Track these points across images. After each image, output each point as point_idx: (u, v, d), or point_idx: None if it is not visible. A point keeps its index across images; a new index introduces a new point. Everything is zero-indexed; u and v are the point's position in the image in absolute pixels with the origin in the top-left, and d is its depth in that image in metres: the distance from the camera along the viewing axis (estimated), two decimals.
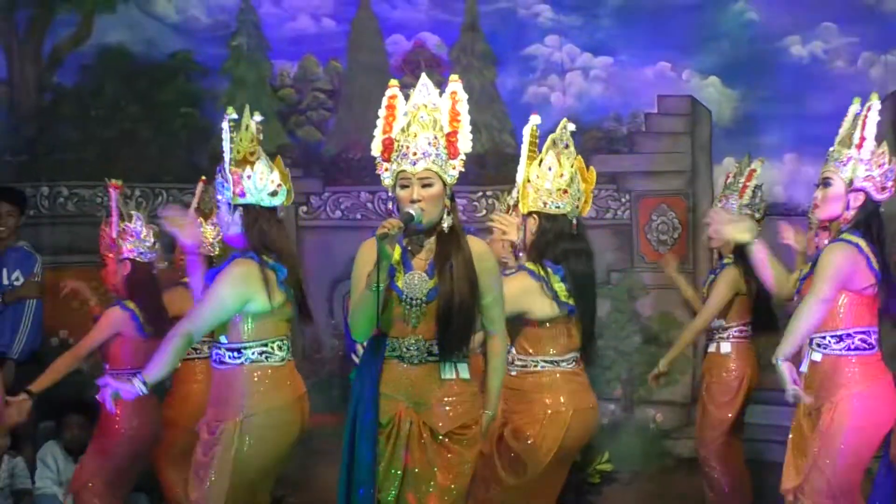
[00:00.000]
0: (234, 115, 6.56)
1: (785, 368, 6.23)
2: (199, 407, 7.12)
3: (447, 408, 5.99)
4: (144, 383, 6.42)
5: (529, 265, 6.97)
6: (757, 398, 8.96)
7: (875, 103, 6.49)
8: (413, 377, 5.96)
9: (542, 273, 6.90)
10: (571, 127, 7.13)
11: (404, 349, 5.95)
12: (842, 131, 6.68)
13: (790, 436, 6.82)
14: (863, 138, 6.50)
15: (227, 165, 6.55)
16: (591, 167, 7.29)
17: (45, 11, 10.54)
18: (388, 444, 5.92)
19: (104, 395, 6.43)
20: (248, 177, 6.53)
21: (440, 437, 5.93)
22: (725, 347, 8.96)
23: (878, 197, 6.55)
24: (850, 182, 6.52)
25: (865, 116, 6.54)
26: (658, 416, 10.03)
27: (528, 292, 6.86)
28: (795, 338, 6.42)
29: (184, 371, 8.57)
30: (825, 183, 6.62)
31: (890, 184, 6.54)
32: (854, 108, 6.71)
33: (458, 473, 6.04)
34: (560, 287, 6.90)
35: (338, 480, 6.09)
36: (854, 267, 6.44)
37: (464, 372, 6.07)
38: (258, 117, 6.65)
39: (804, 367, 6.61)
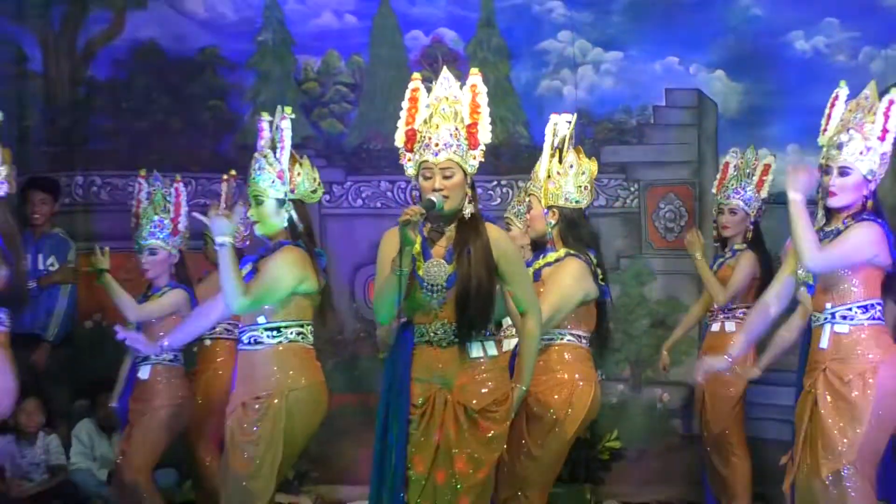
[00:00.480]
0: (293, 115, 6.75)
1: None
2: (222, 386, 7.23)
3: (479, 385, 6.07)
4: (163, 347, 6.65)
5: (573, 251, 7.04)
6: (756, 378, 8.99)
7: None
8: (443, 359, 6.02)
9: (587, 256, 7.01)
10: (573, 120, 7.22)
11: (432, 333, 6.01)
12: (849, 119, 6.55)
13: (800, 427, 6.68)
14: (885, 130, 6.52)
15: (284, 163, 6.73)
16: (593, 158, 7.36)
17: (78, 8, 10.58)
18: (422, 422, 6.04)
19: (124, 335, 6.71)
20: (298, 174, 6.71)
21: (474, 414, 6.02)
22: (730, 326, 8.96)
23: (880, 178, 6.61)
24: (871, 172, 6.56)
25: (888, 108, 6.52)
26: (665, 396, 10.10)
27: (586, 275, 6.95)
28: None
29: (210, 351, 8.71)
30: (843, 172, 6.61)
31: (882, 170, 6.61)
32: (844, 92, 6.64)
33: (490, 449, 6.11)
34: (598, 270, 7.04)
35: (372, 460, 6.20)
36: (883, 244, 6.49)
37: (491, 349, 6.14)
38: (289, 111, 6.82)
39: (823, 343, 6.58)
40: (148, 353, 7.44)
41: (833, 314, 6.44)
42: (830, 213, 6.47)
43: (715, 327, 9.07)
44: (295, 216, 6.80)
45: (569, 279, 6.89)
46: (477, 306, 5.93)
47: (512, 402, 6.27)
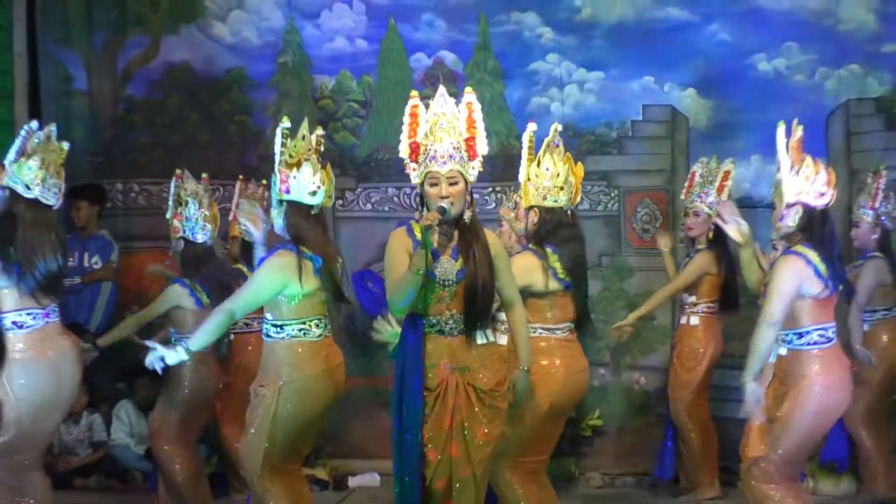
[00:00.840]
0: (288, 125, 6.71)
1: (750, 390, 6.28)
2: (252, 373, 7.21)
3: (484, 369, 6.13)
4: (188, 350, 6.57)
5: (532, 246, 7.09)
6: (721, 364, 9.04)
7: (780, 129, 6.48)
8: (453, 346, 6.07)
9: (543, 252, 7.02)
10: (560, 128, 7.24)
11: (444, 323, 6.05)
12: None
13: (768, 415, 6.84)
14: (778, 163, 6.56)
15: (276, 166, 6.68)
16: (580, 163, 7.38)
17: (118, 34, 10.60)
18: (436, 404, 6.05)
19: (151, 359, 6.62)
20: (294, 177, 6.65)
21: (482, 394, 6.06)
22: (694, 320, 9.05)
23: (817, 203, 6.58)
24: (785, 200, 6.58)
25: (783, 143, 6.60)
26: (641, 380, 10.09)
27: (532, 269, 6.97)
28: (757, 359, 6.43)
29: (238, 343, 8.73)
30: (772, 206, 6.70)
31: (825, 188, 6.58)
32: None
33: (496, 423, 6.18)
34: (558, 265, 7.03)
35: (392, 441, 6.17)
36: (802, 279, 6.46)
37: (491, 337, 6.25)
38: (320, 130, 6.85)
39: (772, 359, 6.68)
40: (176, 361, 7.38)
41: (777, 338, 6.57)
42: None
43: (683, 321, 9.18)
44: (288, 216, 6.76)
45: (528, 269, 6.97)
46: (483, 300, 6.03)
47: (512, 382, 6.37)
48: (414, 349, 6.13)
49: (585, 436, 9.54)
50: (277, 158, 6.72)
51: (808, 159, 6.50)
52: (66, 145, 7.21)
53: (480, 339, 6.19)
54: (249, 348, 8.54)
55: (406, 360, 6.16)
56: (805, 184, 6.46)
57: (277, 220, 6.75)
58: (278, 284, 6.56)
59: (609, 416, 9.87)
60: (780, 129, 6.46)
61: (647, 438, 9.86)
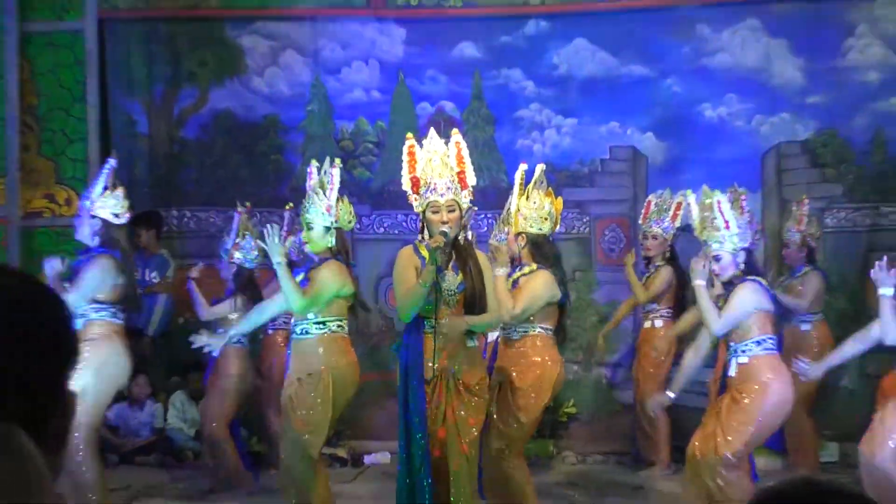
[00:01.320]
0: (340, 165, 7.04)
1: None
2: (284, 366, 7.36)
3: (472, 367, 6.29)
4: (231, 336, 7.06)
5: (544, 266, 7.17)
6: (676, 361, 9.06)
7: (721, 196, 6.75)
8: (450, 347, 6.21)
9: (554, 271, 7.15)
10: (545, 168, 7.36)
11: (444, 328, 6.19)
12: (699, 221, 6.89)
13: (711, 409, 6.93)
14: (726, 221, 6.74)
15: (332, 200, 6.91)
16: (560, 196, 7.48)
17: (173, 86, 10.63)
18: (433, 395, 6.19)
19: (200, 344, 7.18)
20: (340, 209, 6.90)
21: (469, 389, 6.21)
22: (658, 323, 9.19)
23: (750, 244, 6.82)
24: (733, 251, 6.76)
25: (720, 207, 6.75)
26: (607, 374, 10.18)
27: (552, 284, 7.08)
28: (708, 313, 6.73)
29: (271, 340, 8.86)
30: (716, 258, 6.83)
31: (751, 232, 6.83)
32: (693, 198, 7.21)
33: (480, 411, 6.33)
34: (556, 278, 7.16)
35: (398, 428, 6.29)
36: (762, 297, 6.69)
37: (477, 341, 6.44)
38: (339, 162, 7.06)
39: (731, 372, 6.74)
40: (218, 349, 7.63)
41: (736, 350, 6.71)
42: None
43: (647, 324, 9.32)
44: (338, 239, 6.96)
45: (540, 285, 7.04)
46: (479, 307, 6.20)
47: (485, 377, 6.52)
48: (415, 347, 6.30)
49: (562, 421, 9.54)
50: (332, 192, 6.94)
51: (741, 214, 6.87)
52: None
53: (471, 343, 6.39)
54: (280, 345, 8.63)
55: (409, 356, 6.32)
56: (742, 234, 6.76)
57: (323, 242, 6.94)
58: (339, 285, 6.81)
59: (581, 405, 9.90)
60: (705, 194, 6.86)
61: (612, 424, 9.96)
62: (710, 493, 6.66)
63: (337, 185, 7.01)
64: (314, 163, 7.11)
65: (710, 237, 6.78)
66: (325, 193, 6.96)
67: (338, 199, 7.03)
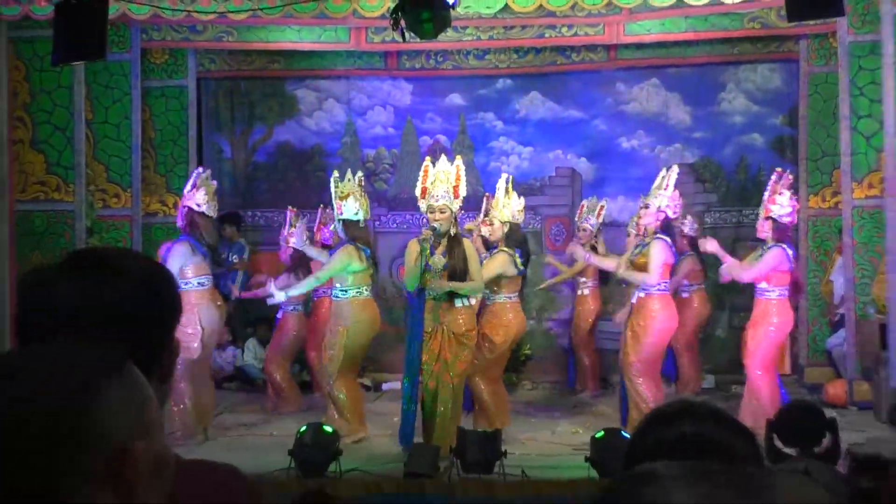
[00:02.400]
0: (337, 176, 7.13)
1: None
2: (326, 321, 7.40)
3: (458, 321, 6.41)
4: (288, 295, 7.48)
5: (504, 249, 7.20)
6: (602, 316, 9.26)
7: (674, 169, 7.01)
8: (442, 308, 6.32)
9: (510, 252, 7.15)
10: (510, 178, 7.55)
11: (438, 294, 6.35)
12: (655, 188, 6.99)
13: (623, 336, 7.05)
14: (667, 185, 6.82)
15: (333, 200, 7.09)
16: (522, 198, 7.66)
17: (248, 125, 10.61)
18: (432, 341, 6.28)
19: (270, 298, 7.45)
20: (345, 205, 6.92)
21: (456, 336, 6.31)
22: (587, 291, 9.21)
23: (673, 216, 6.86)
24: (658, 208, 6.79)
25: (669, 175, 6.93)
26: (552, 327, 10.22)
27: (506, 262, 7.11)
28: (635, 279, 6.92)
29: (320, 302, 8.72)
30: (647, 206, 6.90)
31: (677, 208, 6.86)
32: (663, 172, 7.15)
33: (465, 353, 6.46)
34: (517, 260, 7.17)
35: (404, 369, 6.40)
36: (669, 252, 6.73)
37: (466, 301, 6.50)
38: (360, 173, 7.26)
39: (633, 300, 6.94)
40: (278, 302, 7.76)
41: (640, 287, 6.86)
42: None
43: (579, 292, 9.33)
44: (345, 227, 7.05)
45: (496, 264, 7.09)
46: (459, 279, 6.34)
47: (473, 327, 6.59)
48: (419, 308, 6.40)
49: (521, 360, 9.50)
50: (333, 195, 6.98)
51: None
52: (214, 182, 7.46)
53: (458, 304, 6.45)
54: (324, 308, 8.46)
55: (414, 313, 6.43)
56: (670, 202, 7.03)
57: (339, 229, 7.06)
58: (344, 263, 6.87)
59: (534, 348, 9.85)
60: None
61: (556, 362, 9.98)
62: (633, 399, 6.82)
63: (333, 188, 7.17)
64: (335, 174, 7.32)
65: (651, 195, 6.88)
66: (339, 202, 7.05)
67: (349, 196, 7.08)
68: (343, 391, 6.96)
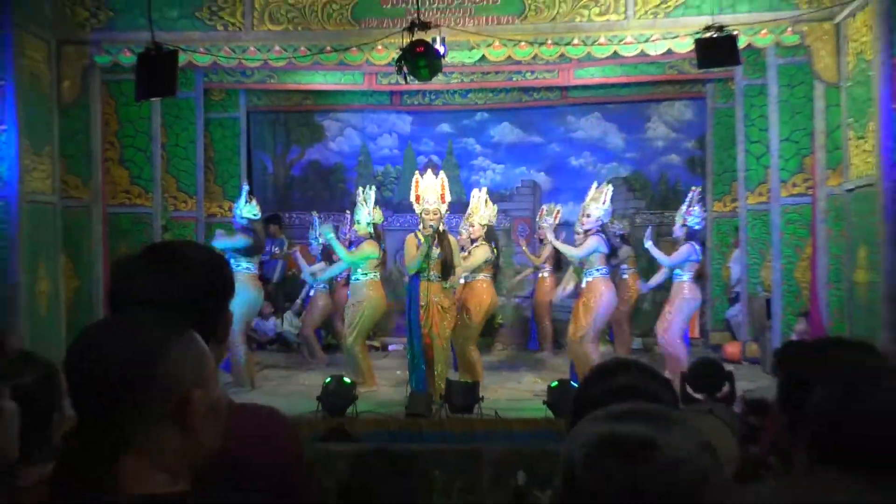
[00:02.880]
0: (366, 191, 7.07)
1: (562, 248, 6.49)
2: (346, 299, 7.38)
3: (445, 298, 6.40)
4: (318, 279, 7.60)
5: (483, 242, 7.19)
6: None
7: (609, 187, 6.85)
8: (434, 288, 6.30)
9: (490, 245, 7.13)
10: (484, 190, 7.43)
11: (431, 276, 6.28)
12: (590, 199, 6.89)
13: (573, 310, 6.99)
14: (605, 200, 6.76)
15: (371, 209, 7.10)
16: (495, 205, 7.61)
17: (286, 147, 10.56)
18: (424, 314, 6.23)
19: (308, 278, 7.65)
20: (365, 209, 6.91)
21: (443, 309, 6.25)
22: (545, 275, 9.07)
23: (605, 217, 6.82)
24: (598, 216, 6.77)
25: (607, 193, 6.80)
26: (519, 301, 10.17)
27: (487, 251, 7.10)
28: (572, 252, 6.89)
29: (340, 285, 8.69)
30: (588, 215, 6.83)
31: (608, 213, 6.85)
32: (594, 185, 7.04)
33: (449, 324, 6.43)
34: (494, 249, 7.16)
35: (406, 330, 6.36)
36: (602, 244, 6.67)
37: (449, 284, 6.46)
38: (373, 188, 7.27)
39: (583, 284, 6.82)
40: (311, 282, 7.73)
41: (586, 273, 6.77)
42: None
43: (540, 275, 9.21)
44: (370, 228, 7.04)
45: (480, 254, 7.06)
46: (449, 266, 6.25)
47: (455, 302, 6.57)
48: (416, 287, 6.37)
49: (495, 327, 9.53)
50: (364, 204, 6.97)
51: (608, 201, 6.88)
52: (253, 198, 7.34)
53: (446, 285, 6.43)
54: (344, 286, 8.52)
55: (412, 292, 6.39)
56: (603, 209, 6.83)
57: (364, 228, 7.03)
58: (367, 253, 6.87)
59: (505, 318, 9.84)
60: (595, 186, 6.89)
61: (521, 328, 9.95)
62: (578, 358, 6.75)
63: (372, 201, 7.04)
64: (359, 189, 7.17)
65: (591, 204, 6.81)
66: (366, 205, 7.00)
67: (374, 207, 7.10)
68: (359, 352, 6.96)
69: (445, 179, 6.55)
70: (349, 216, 8.69)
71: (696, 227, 7.01)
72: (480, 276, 7.22)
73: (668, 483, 0.93)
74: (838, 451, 1.28)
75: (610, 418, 1.00)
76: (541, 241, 9.20)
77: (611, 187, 7.14)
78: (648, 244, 7.12)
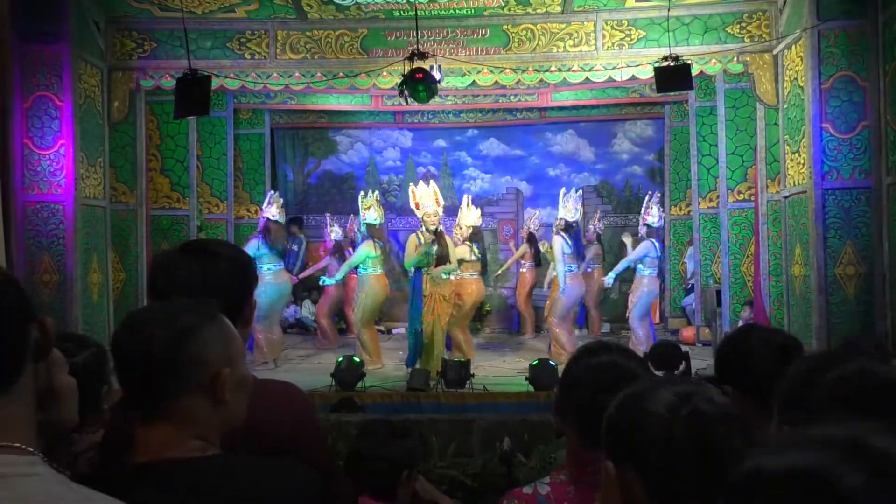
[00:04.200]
0: (362, 194, 7.03)
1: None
2: (354, 290, 7.33)
3: (445, 289, 6.31)
4: (330, 278, 7.34)
5: (466, 243, 7.16)
6: (536, 285, 9.10)
7: (579, 192, 6.92)
8: (434, 281, 6.27)
9: (471, 245, 7.10)
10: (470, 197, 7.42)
11: (432, 271, 6.25)
12: (565, 207, 6.89)
13: (548, 300, 7.02)
14: (576, 207, 6.72)
15: (360, 208, 6.92)
16: (479, 209, 7.53)
17: (304, 159, 10.53)
18: (430, 302, 6.17)
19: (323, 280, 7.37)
20: (367, 213, 6.84)
21: (443, 298, 6.21)
22: (525, 269, 9.00)
23: (571, 218, 6.77)
24: (564, 220, 6.71)
25: (577, 199, 6.77)
26: (503, 292, 10.14)
27: (468, 251, 7.08)
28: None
29: (350, 279, 8.65)
30: (560, 220, 6.80)
31: (577, 212, 6.75)
32: (563, 191, 6.99)
33: (448, 311, 6.40)
34: (475, 249, 7.14)
35: (408, 316, 6.32)
36: (564, 242, 6.64)
37: (447, 276, 6.40)
38: (377, 193, 7.05)
39: (550, 277, 6.79)
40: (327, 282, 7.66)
41: (554, 270, 6.69)
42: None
43: (521, 270, 9.13)
44: (368, 228, 6.95)
45: (461, 251, 7.01)
46: (445, 261, 6.17)
47: (452, 293, 6.49)
48: (418, 280, 6.31)
49: (484, 314, 9.54)
50: (360, 207, 6.91)
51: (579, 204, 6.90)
52: (281, 199, 7.30)
53: (444, 276, 6.39)
54: (353, 280, 8.51)
55: (415, 284, 6.34)
56: (575, 211, 6.81)
57: (362, 229, 6.98)
58: (366, 253, 6.74)
59: (492, 306, 9.82)
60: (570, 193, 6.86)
61: (506, 315, 9.93)
62: (555, 341, 6.74)
63: (361, 202, 7.05)
64: (362, 194, 7.16)
65: (564, 207, 6.80)
66: (364, 212, 6.98)
67: (371, 207, 7.04)
68: (366, 335, 6.94)
69: (436, 187, 6.53)
70: (356, 218, 8.78)
71: (655, 226, 7.00)
72: (467, 273, 7.22)
73: None
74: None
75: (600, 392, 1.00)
76: (525, 239, 9.15)
77: (580, 192, 7.14)
78: (611, 280, 7.11)
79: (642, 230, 7.03)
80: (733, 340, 1.79)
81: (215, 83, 6.24)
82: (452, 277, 6.75)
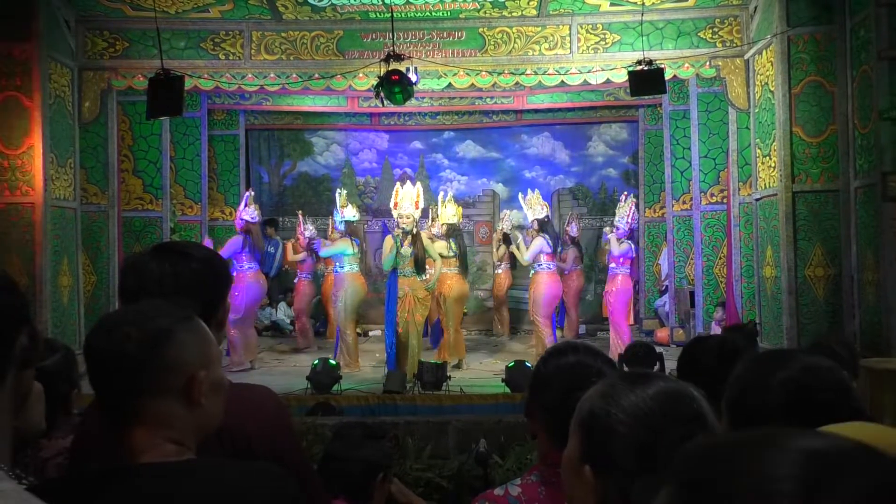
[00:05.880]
0: (341, 193, 6.93)
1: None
2: (331, 289, 7.29)
3: (420, 290, 6.29)
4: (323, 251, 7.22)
5: (448, 239, 7.17)
6: (515, 286, 9.16)
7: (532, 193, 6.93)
8: (409, 281, 6.22)
9: (450, 241, 7.10)
10: (450, 194, 7.42)
11: (407, 271, 6.22)
12: (531, 206, 6.93)
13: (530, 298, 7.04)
14: (543, 205, 6.77)
15: (338, 207, 6.86)
16: (460, 207, 7.57)
17: (280, 160, 10.45)
18: (401, 303, 6.17)
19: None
20: (344, 210, 6.83)
21: (419, 298, 6.20)
22: (500, 271, 9.08)
23: (546, 218, 6.82)
24: (536, 219, 6.77)
25: (542, 199, 6.84)
26: (481, 293, 10.16)
27: (445, 246, 7.03)
28: (525, 255, 6.89)
29: (330, 277, 8.57)
30: (534, 222, 6.84)
31: (547, 212, 6.85)
32: (527, 197, 7.09)
33: (423, 312, 6.38)
34: (454, 245, 7.13)
35: (385, 322, 6.31)
36: (545, 245, 6.70)
37: (423, 276, 6.36)
38: (345, 191, 7.15)
39: (531, 275, 6.84)
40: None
41: (534, 268, 6.84)
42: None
43: (497, 271, 9.21)
44: (346, 225, 6.97)
45: (438, 246, 6.98)
46: (421, 261, 6.15)
47: (428, 295, 6.46)
48: (393, 281, 6.31)
49: (465, 314, 9.53)
50: (338, 203, 6.90)
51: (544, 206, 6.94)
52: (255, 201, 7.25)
53: (419, 278, 6.38)
54: (329, 280, 8.45)
55: (390, 285, 6.33)
56: (537, 212, 6.85)
57: (340, 227, 6.96)
58: (340, 249, 6.73)
59: (470, 308, 9.72)
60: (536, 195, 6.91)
61: (485, 316, 9.93)
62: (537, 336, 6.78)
63: (338, 199, 7.12)
64: (339, 192, 7.16)
65: (533, 207, 6.85)
66: (341, 209, 6.98)
67: (346, 205, 7.06)
68: (349, 334, 6.91)
69: (420, 189, 6.53)
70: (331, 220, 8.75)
71: (630, 227, 7.13)
72: (445, 269, 7.20)
73: None
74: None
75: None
76: (499, 242, 9.19)
77: (532, 193, 7.16)
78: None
79: (624, 233, 7.12)
80: (688, 345, 1.90)
81: (189, 83, 6.18)
82: (426, 276, 6.77)
